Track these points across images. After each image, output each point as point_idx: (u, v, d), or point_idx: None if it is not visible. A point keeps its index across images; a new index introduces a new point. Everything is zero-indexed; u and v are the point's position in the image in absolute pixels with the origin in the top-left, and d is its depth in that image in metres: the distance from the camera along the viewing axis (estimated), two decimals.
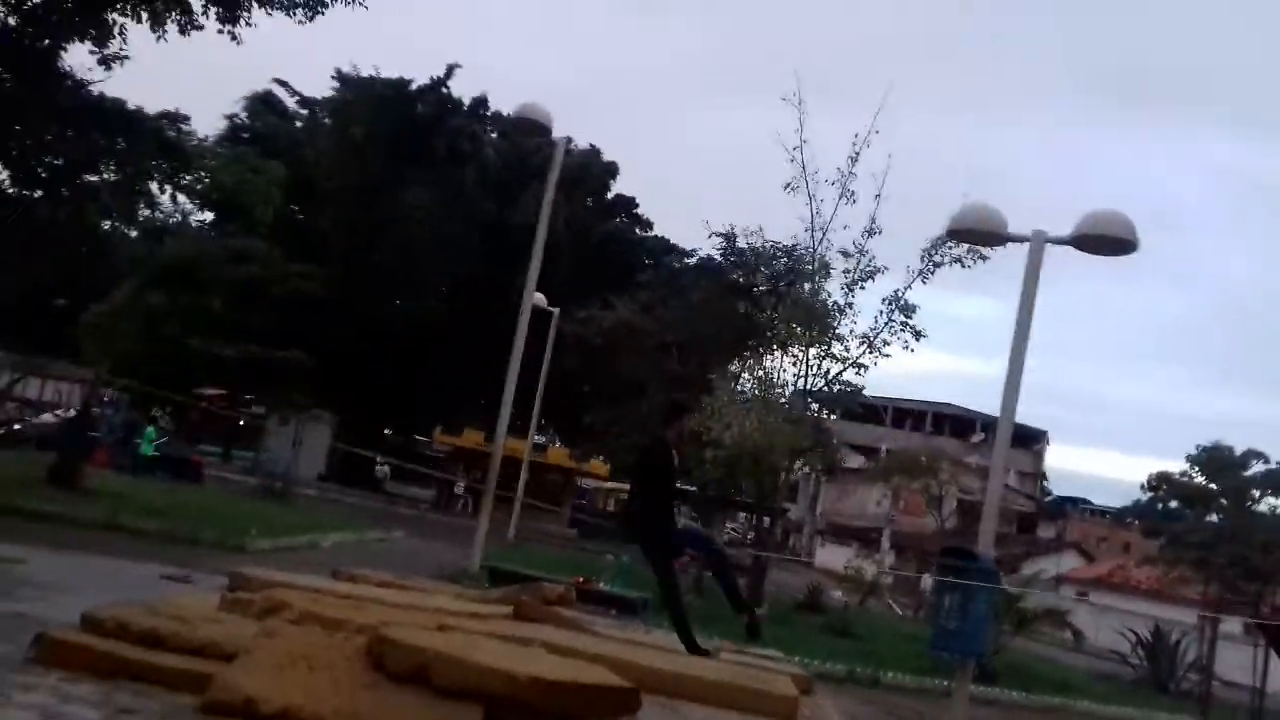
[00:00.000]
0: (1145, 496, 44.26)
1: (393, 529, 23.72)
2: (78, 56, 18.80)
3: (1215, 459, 37.75)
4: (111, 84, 19.42)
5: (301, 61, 75.75)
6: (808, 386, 19.18)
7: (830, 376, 19.14)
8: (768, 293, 20.85)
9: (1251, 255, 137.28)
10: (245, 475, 31.05)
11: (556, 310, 28.52)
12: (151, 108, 21.40)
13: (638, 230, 47.29)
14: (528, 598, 8.34)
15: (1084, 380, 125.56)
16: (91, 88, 19.54)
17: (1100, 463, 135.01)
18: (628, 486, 7.69)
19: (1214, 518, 37.47)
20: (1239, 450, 38.27)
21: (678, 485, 7.20)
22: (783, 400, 18.89)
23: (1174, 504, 41.32)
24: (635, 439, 27.92)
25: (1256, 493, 36.58)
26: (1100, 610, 33.95)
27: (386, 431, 54.81)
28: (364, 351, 38.71)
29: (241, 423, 48.62)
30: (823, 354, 18.74)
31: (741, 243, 22.29)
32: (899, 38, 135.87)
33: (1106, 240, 11.54)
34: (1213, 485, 36.95)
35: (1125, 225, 11.52)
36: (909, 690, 13.69)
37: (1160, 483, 40.75)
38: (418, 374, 41.10)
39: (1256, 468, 37.78)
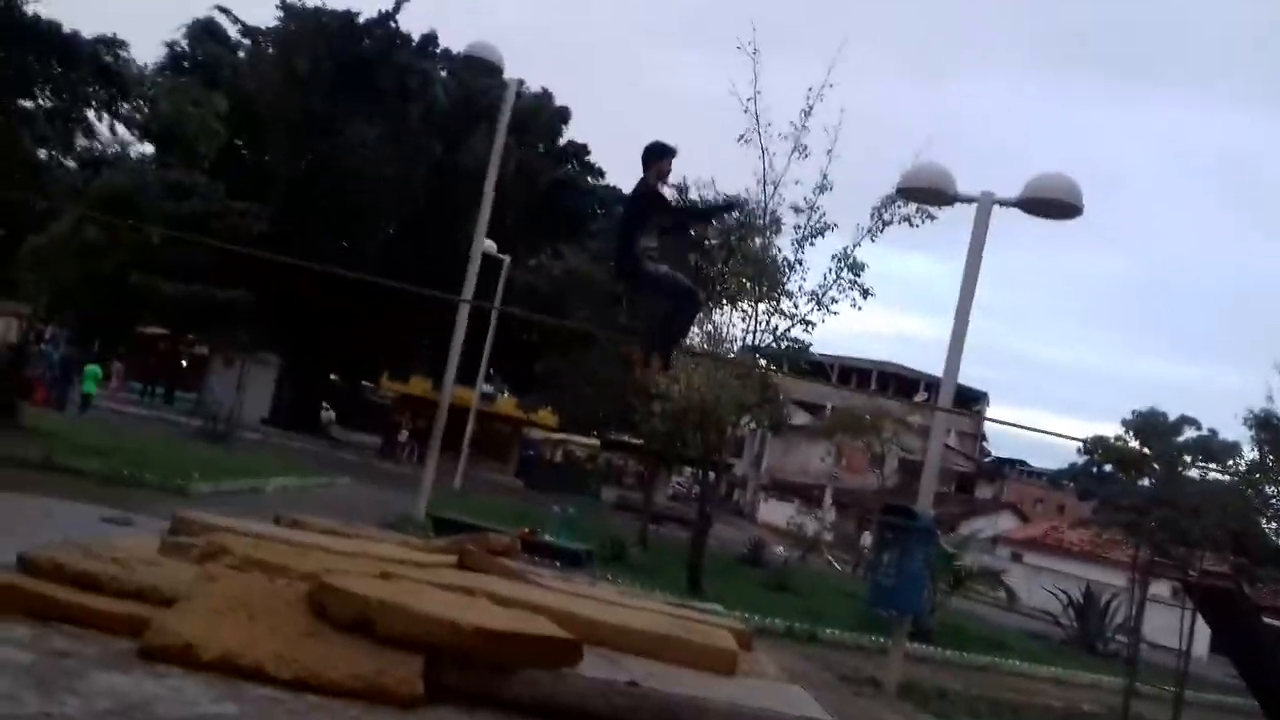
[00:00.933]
0: (1081, 460, 45.23)
1: (337, 475, 23.57)
2: None
3: (1149, 424, 38.58)
4: (46, 5, 18.72)
5: None
6: (756, 342, 19.20)
7: (779, 333, 19.16)
8: (718, 246, 20.77)
9: (1191, 222, 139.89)
10: (187, 417, 30.61)
11: (507, 258, 28.31)
12: (89, 32, 20.75)
13: (589, 178, 46.85)
14: (473, 548, 8.32)
15: (1025, 343, 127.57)
16: (25, 7, 18.86)
17: (1038, 424, 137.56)
18: (618, 228, 7.81)
19: (1147, 482, 38.39)
20: (1173, 416, 39.19)
21: (658, 221, 7.30)
22: (731, 355, 18.90)
23: (1108, 468, 42.26)
24: (584, 389, 27.96)
25: (1188, 458, 37.50)
26: (1034, 571, 34.74)
27: (333, 377, 54.28)
28: (308, 293, 38.12)
29: (184, 363, 47.91)
30: (772, 310, 18.75)
31: (693, 194, 22.18)
32: None
33: (1053, 203, 11.69)
34: (1146, 450, 37.80)
35: (1071, 189, 11.66)
36: (846, 646, 13.92)
37: (1095, 446, 41.60)
38: (364, 318, 40.57)
39: (1189, 433, 38.72)
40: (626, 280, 7.94)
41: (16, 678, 4.29)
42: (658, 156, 7.23)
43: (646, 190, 7.23)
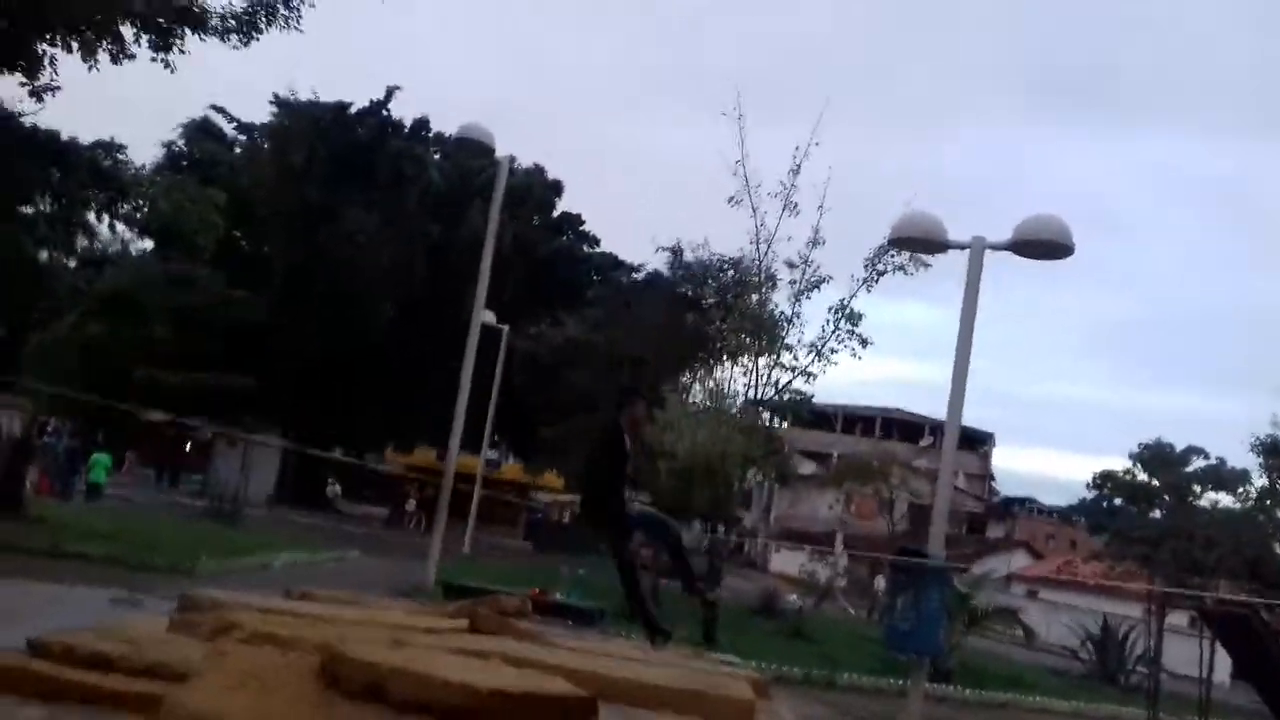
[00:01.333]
0: (1090, 494, 45.17)
1: (346, 548, 23.50)
2: (8, 89, 18.48)
3: (1157, 456, 38.60)
4: (45, 115, 19.14)
5: (240, 87, 74.96)
6: (758, 396, 19.30)
7: (780, 385, 19.28)
8: (716, 305, 21.00)
9: (1186, 254, 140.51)
10: (194, 498, 30.60)
11: (506, 327, 28.50)
12: (87, 137, 21.15)
13: (585, 247, 47.35)
14: (485, 610, 8.32)
15: (1027, 382, 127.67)
16: (24, 119, 19.25)
17: (1046, 462, 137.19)
18: (583, 473, 7.73)
19: (1157, 513, 38.29)
20: (1180, 447, 39.19)
21: (630, 468, 7.26)
22: (734, 410, 18.99)
23: (1118, 501, 42.16)
24: (589, 450, 27.99)
25: (1197, 488, 37.42)
26: (1050, 607, 34.44)
27: (337, 451, 54.33)
28: (311, 375, 38.35)
29: (189, 446, 47.98)
30: (772, 363, 18.91)
31: (688, 256, 22.47)
32: (835, 49, 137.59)
33: (1043, 245, 11.77)
34: (1155, 481, 37.74)
35: (1061, 229, 11.77)
36: (865, 690, 13.81)
37: (1104, 481, 41.55)
38: (367, 395, 40.77)
39: (1197, 463, 38.67)
40: (613, 526, 7.70)
41: None
42: (631, 400, 7.28)
43: (618, 431, 7.17)
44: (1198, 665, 11.09)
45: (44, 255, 25.76)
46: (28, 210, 22.54)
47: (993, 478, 73.20)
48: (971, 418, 48.82)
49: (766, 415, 21.09)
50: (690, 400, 20.28)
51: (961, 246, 12.17)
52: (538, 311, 40.48)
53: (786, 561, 50.21)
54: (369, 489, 58.53)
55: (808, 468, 55.87)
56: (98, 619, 7.08)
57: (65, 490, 26.43)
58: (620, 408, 7.12)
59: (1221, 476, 37.47)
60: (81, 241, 27.24)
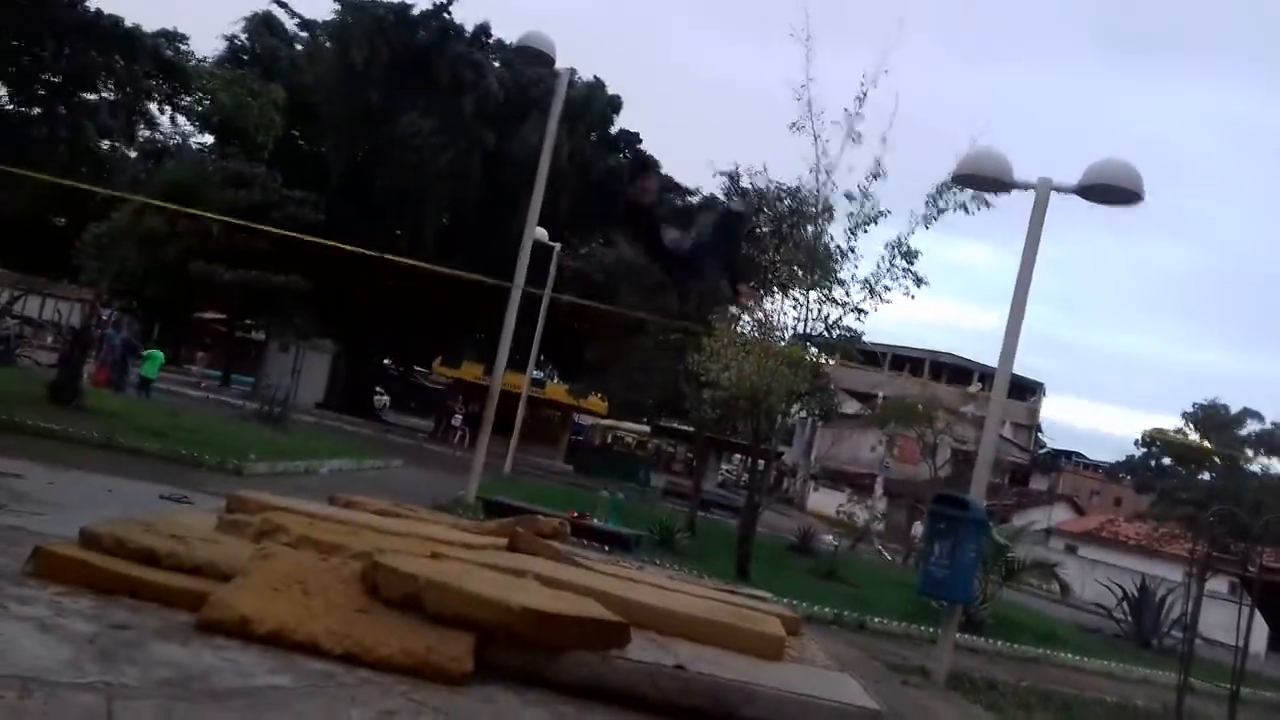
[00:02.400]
0: (1139, 452, 44.71)
1: (390, 458, 23.84)
2: None
3: (1211, 417, 38.03)
4: (108, 1, 19.13)
5: None
6: (807, 330, 19.08)
7: (830, 321, 19.04)
8: (770, 233, 20.67)
9: (1258, 211, 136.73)
10: (244, 400, 31.13)
11: (558, 245, 28.42)
12: (150, 25, 21.15)
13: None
14: (523, 530, 8.40)
15: (1083, 333, 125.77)
16: (88, 3, 19.26)
17: (1096, 416, 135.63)
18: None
19: (1206, 476, 37.81)
20: (1235, 409, 38.56)
21: None
22: (782, 343, 18.80)
23: (1167, 461, 41.67)
24: (634, 376, 28.01)
25: (1250, 452, 36.87)
26: (1088, 564, 34.27)
27: (386, 361, 54.94)
28: (364, 280, 38.58)
29: (242, 349, 48.78)
30: (824, 298, 18.61)
31: (745, 182, 22.10)
32: None
33: (1112, 190, 11.46)
34: (1206, 443, 37.21)
35: (1132, 176, 11.43)
36: (895, 635, 13.84)
37: (1154, 439, 41.06)
38: (417, 305, 40.99)
39: (1251, 427, 38.05)
40: None
41: (79, 647, 4.41)
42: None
43: None
44: (1234, 632, 10.95)
45: (105, 144, 25.95)
46: (90, 97, 22.65)
47: (1040, 429, 72.53)
48: (1022, 365, 48.25)
49: (814, 350, 20.81)
50: (738, 330, 20.04)
51: (1028, 187, 11.87)
52: (590, 230, 40.31)
53: (824, 501, 50.33)
54: (415, 401, 59.30)
55: (852, 406, 55.69)
56: (148, 514, 7.24)
57: (119, 383, 26.94)
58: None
59: (1276, 441, 36.91)
60: (143, 131, 27.40)
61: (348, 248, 18.68)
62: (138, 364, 28.46)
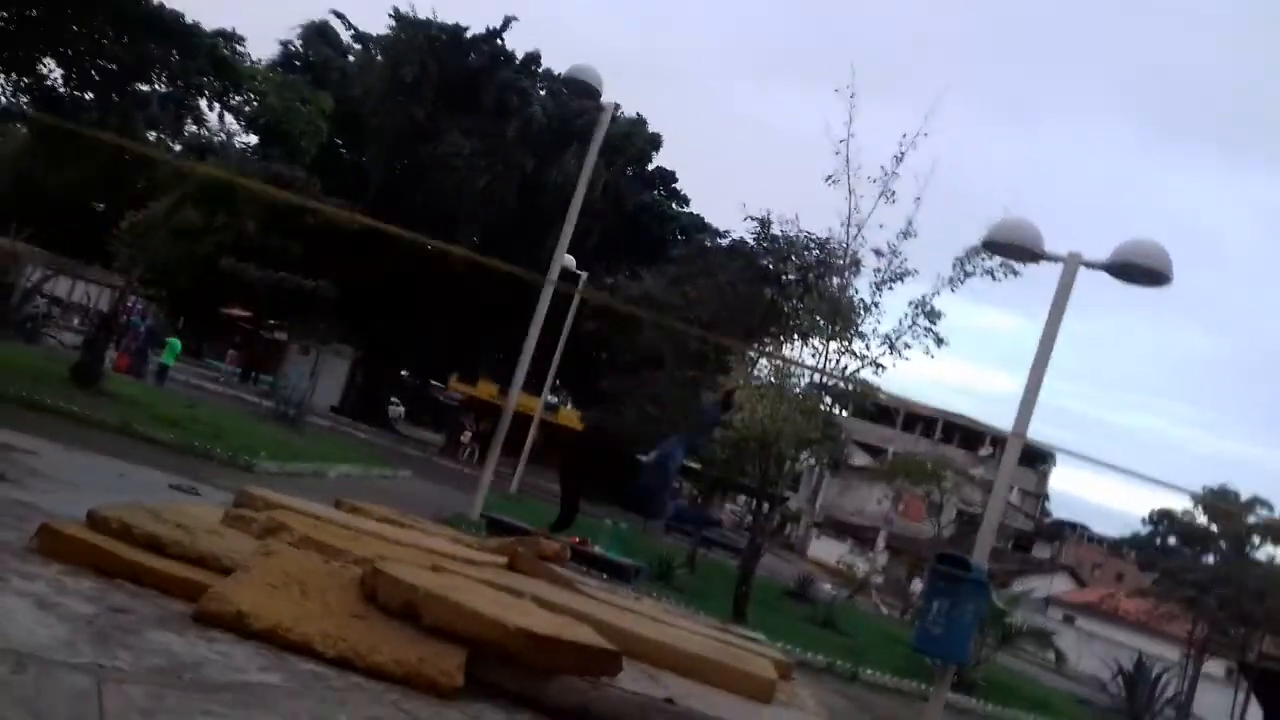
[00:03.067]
0: (1145, 529, 44.34)
1: (399, 467, 23.92)
2: None
3: (1220, 501, 37.68)
4: None
5: None
6: (824, 380, 19.13)
7: (848, 373, 19.08)
8: (796, 281, 20.77)
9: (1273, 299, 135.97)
10: (261, 399, 31.34)
11: (584, 274, 28.58)
12: (209, 24, 21.50)
13: (673, 205, 47.15)
14: (524, 550, 8.45)
15: (1099, 407, 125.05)
16: None
17: (1103, 491, 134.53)
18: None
19: (1211, 559, 37.45)
20: (1245, 495, 38.22)
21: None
22: (797, 390, 18.85)
23: (1173, 540, 41.31)
24: (647, 409, 28.06)
25: (1256, 539, 36.52)
26: (1086, 636, 33.99)
27: (404, 373, 55.16)
28: (389, 290, 38.87)
29: (264, 348, 49.12)
30: (843, 349, 18.68)
31: (776, 229, 22.22)
32: (961, 40, 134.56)
33: (1141, 270, 11.51)
34: (1214, 527, 36.89)
35: (1161, 257, 11.48)
36: (887, 689, 13.79)
37: (1162, 518, 40.74)
38: (440, 319, 41.24)
39: (1260, 514, 37.71)
40: None
41: (76, 628, 4.47)
42: None
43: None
44: (1227, 716, 10.88)
45: (152, 135, 26.30)
46: (144, 88, 23.00)
47: (1047, 498, 72.06)
48: (1035, 434, 48.06)
49: (828, 400, 20.85)
50: (755, 374, 20.12)
51: (1056, 259, 11.93)
52: (617, 262, 40.51)
53: (826, 550, 50.08)
54: (429, 414, 59.44)
55: (861, 459, 55.55)
56: (156, 501, 7.33)
57: (140, 369, 27.18)
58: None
59: None
60: (190, 127, 27.82)
61: (392, 230, 18.71)
62: (159, 352, 28.72)
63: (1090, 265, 11.71)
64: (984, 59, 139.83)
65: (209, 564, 5.70)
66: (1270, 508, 37.15)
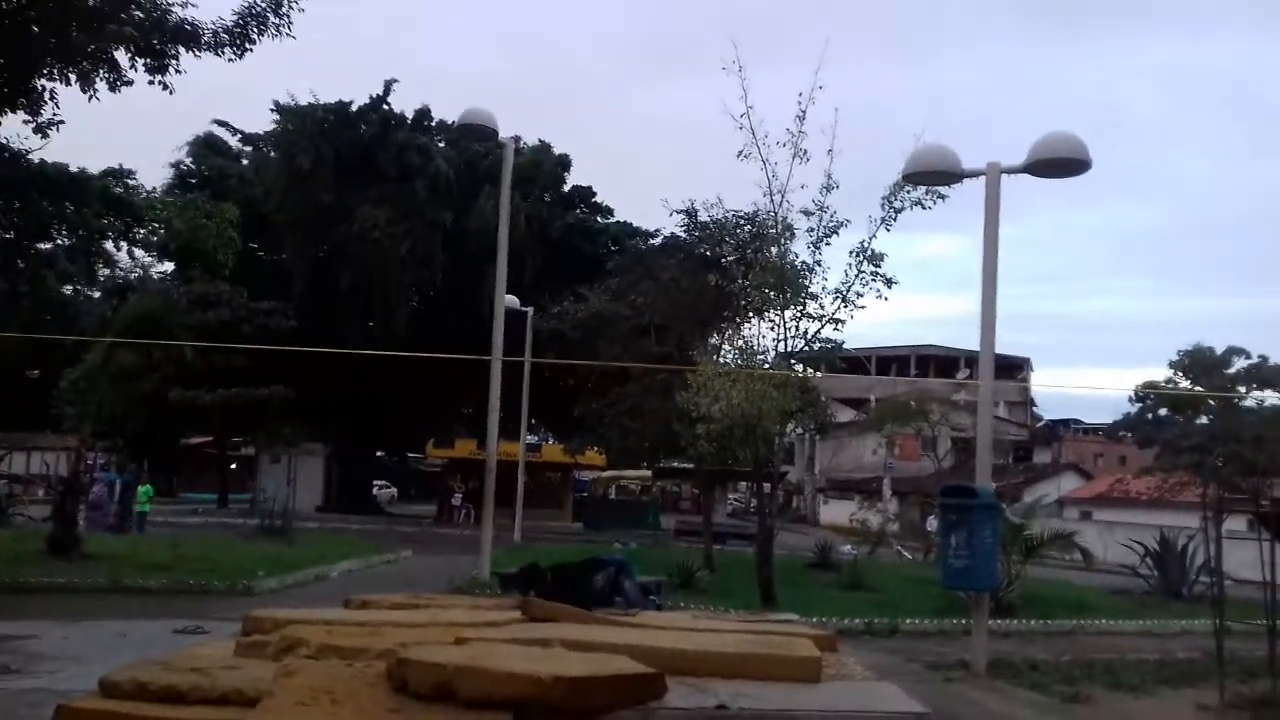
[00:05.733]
0: (1135, 408, 44.79)
1: (399, 549, 23.72)
2: (12, 127, 18.59)
3: (1198, 361, 38.17)
4: (51, 149, 19.24)
5: (240, 98, 75.15)
6: (788, 349, 19.20)
7: (809, 336, 19.15)
8: (736, 261, 20.83)
9: (1205, 151, 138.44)
10: (244, 518, 30.96)
11: (530, 309, 28.51)
12: (95, 166, 21.22)
13: (598, 219, 47.13)
14: (535, 598, 8.37)
15: (1059, 301, 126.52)
16: (31, 156, 19.35)
17: (1087, 381, 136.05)
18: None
19: (1204, 419, 37.90)
20: (1220, 349, 38.73)
21: None
22: (766, 366, 18.89)
23: (1163, 412, 41.77)
24: (626, 423, 28.00)
25: (1242, 388, 37.02)
26: (1105, 526, 34.24)
27: (379, 453, 54.73)
28: (344, 379, 38.56)
29: (233, 466, 48.51)
30: (799, 315, 18.75)
31: (703, 216, 22.25)
32: None
33: (1060, 163, 11.67)
34: (1198, 388, 37.36)
35: (1076, 146, 11.64)
36: (929, 634, 13.81)
37: (1147, 392, 41.20)
38: (399, 392, 40.96)
39: (1239, 364, 38.23)
40: None
41: None
42: None
43: None
44: (1259, 568, 10.97)
45: (68, 289, 25.94)
46: (46, 247, 22.69)
47: (1034, 403, 72.70)
48: (1006, 344, 48.42)
49: (799, 367, 20.91)
50: (721, 360, 20.13)
51: (977, 174, 12.07)
52: (559, 289, 40.44)
53: (836, 512, 50.26)
54: (414, 487, 59.04)
55: (846, 415, 55.80)
56: (164, 651, 7.18)
57: (123, 525, 26.78)
58: None
59: (1265, 374, 37.09)
60: (103, 271, 27.44)
61: (320, 350, 18.67)
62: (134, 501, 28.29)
63: (1010, 171, 11.86)
64: (857, 3, 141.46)
65: (233, 700, 5.58)
66: (1248, 354, 37.69)
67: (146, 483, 30.18)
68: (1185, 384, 38.60)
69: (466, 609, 8.65)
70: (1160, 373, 40.64)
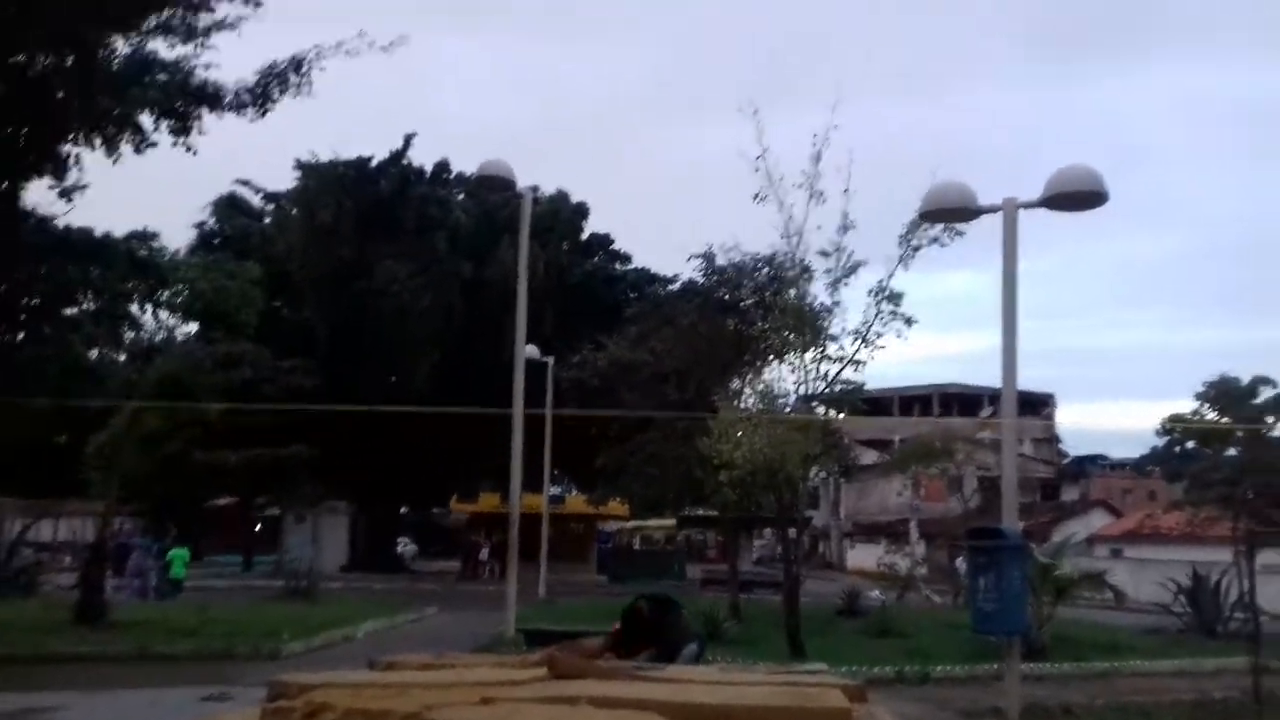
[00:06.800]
0: (1161, 442, 44.25)
1: (424, 608, 23.63)
2: (38, 193, 18.88)
3: (1223, 392, 37.71)
4: (76, 213, 19.53)
5: (263, 157, 76.22)
6: (809, 392, 19.16)
7: (830, 377, 19.13)
8: (754, 305, 20.89)
9: (1222, 180, 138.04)
10: (269, 580, 30.93)
11: (550, 359, 28.58)
12: (119, 229, 21.50)
13: (617, 265, 47.38)
14: (558, 653, 8.31)
15: (1081, 336, 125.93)
16: (56, 221, 19.64)
17: (1112, 416, 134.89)
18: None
19: (1232, 451, 37.40)
20: (1245, 379, 38.27)
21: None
22: (787, 409, 18.85)
23: (1190, 444, 41.25)
24: (647, 471, 27.94)
25: (1270, 419, 36.55)
26: (1136, 564, 33.80)
27: (403, 510, 54.65)
28: (366, 435, 38.66)
29: (258, 527, 48.51)
30: (819, 356, 18.75)
31: (721, 260, 22.35)
32: (838, 33, 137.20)
33: (1077, 196, 11.64)
34: (1225, 419, 36.92)
35: (1092, 178, 11.62)
36: (960, 680, 13.63)
37: (1173, 425, 40.70)
38: (423, 447, 41.00)
39: (1266, 394, 37.75)
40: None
41: None
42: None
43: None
44: None
45: (93, 353, 26.17)
46: (72, 311, 22.95)
47: (1059, 439, 72.07)
48: (1029, 380, 48.07)
49: (821, 409, 20.86)
50: (741, 405, 20.12)
51: (994, 210, 12.06)
52: (578, 337, 40.54)
53: (863, 556, 49.81)
54: (438, 543, 58.89)
55: (870, 457, 55.47)
56: (192, 719, 7.18)
57: (160, 590, 26.77)
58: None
59: None
60: (128, 334, 27.71)
61: (343, 408, 18.74)
62: (167, 566, 28.29)
63: (1027, 206, 11.85)
64: (868, 46, 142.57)
65: None
66: (1274, 384, 37.21)
67: (180, 546, 30.19)
68: (1212, 416, 38.15)
69: (492, 667, 8.59)
70: (1186, 405, 40.15)
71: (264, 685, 8.62)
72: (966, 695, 12.08)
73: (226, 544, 47.70)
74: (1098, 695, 12.02)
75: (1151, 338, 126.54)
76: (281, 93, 18.30)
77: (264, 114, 18.38)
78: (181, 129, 18.01)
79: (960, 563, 29.57)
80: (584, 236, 46.42)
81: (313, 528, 38.29)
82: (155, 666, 13.47)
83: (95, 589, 18.60)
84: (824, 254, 18.07)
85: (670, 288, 41.84)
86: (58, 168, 18.31)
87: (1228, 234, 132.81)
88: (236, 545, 46.68)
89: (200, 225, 45.39)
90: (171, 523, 39.77)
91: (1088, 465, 68.24)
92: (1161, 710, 11.03)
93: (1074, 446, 74.46)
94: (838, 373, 19.02)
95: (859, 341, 18.52)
